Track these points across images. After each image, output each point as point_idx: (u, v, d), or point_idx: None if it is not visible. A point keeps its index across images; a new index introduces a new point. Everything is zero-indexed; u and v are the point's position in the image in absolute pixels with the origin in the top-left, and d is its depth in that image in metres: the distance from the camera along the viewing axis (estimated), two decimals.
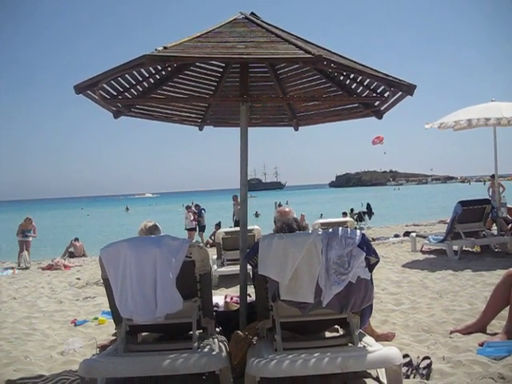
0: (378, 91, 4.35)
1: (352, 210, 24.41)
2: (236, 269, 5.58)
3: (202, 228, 18.65)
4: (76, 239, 16.07)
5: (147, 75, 4.48)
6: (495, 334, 4.15)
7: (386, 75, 3.71)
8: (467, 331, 4.26)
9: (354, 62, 3.78)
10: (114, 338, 4.75)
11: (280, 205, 23.55)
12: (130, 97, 4.51)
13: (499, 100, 9.36)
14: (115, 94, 4.26)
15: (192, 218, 18.12)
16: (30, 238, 13.91)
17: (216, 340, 3.57)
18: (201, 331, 3.69)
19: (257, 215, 35.54)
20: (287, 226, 3.60)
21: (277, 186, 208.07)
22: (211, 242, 15.39)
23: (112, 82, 4.01)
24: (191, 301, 3.49)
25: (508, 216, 10.77)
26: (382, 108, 4.71)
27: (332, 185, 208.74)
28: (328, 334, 4.24)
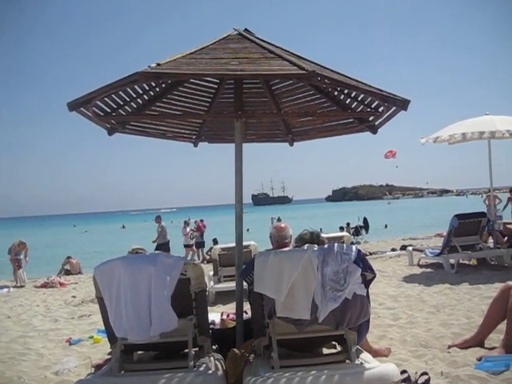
0: (373, 106, 4.37)
1: (348, 224, 24.42)
2: (233, 285, 5.51)
3: (201, 244, 18.37)
4: (69, 257, 15.90)
5: (141, 92, 4.49)
6: (493, 348, 4.13)
7: (380, 90, 3.72)
8: (465, 345, 4.24)
9: (348, 78, 3.79)
10: (109, 357, 4.68)
11: (279, 219, 23.48)
12: (124, 114, 4.51)
13: (493, 114, 9.45)
14: (109, 110, 4.25)
15: (187, 232, 17.68)
16: (21, 256, 13.57)
17: (212, 358, 3.52)
18: (197, 349, 3.65)
19: (247, 230, 34.85)
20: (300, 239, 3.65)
21: (284, 200, 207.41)
22: (208, 257, 15.30)
23: (105, 98, 4.00)
24: (187, 319, 3.44)
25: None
26: (377, 123, 4.73)
27: (329, 199, 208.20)
28: (325, 351, 4.20)
